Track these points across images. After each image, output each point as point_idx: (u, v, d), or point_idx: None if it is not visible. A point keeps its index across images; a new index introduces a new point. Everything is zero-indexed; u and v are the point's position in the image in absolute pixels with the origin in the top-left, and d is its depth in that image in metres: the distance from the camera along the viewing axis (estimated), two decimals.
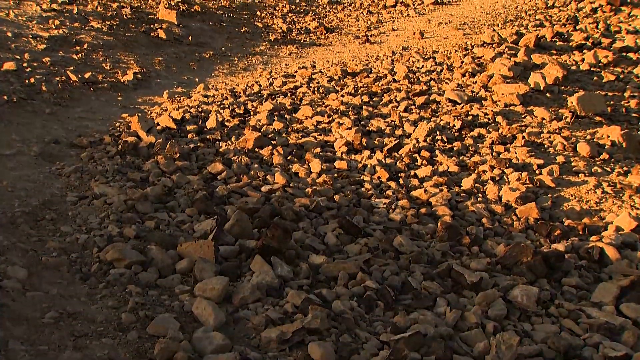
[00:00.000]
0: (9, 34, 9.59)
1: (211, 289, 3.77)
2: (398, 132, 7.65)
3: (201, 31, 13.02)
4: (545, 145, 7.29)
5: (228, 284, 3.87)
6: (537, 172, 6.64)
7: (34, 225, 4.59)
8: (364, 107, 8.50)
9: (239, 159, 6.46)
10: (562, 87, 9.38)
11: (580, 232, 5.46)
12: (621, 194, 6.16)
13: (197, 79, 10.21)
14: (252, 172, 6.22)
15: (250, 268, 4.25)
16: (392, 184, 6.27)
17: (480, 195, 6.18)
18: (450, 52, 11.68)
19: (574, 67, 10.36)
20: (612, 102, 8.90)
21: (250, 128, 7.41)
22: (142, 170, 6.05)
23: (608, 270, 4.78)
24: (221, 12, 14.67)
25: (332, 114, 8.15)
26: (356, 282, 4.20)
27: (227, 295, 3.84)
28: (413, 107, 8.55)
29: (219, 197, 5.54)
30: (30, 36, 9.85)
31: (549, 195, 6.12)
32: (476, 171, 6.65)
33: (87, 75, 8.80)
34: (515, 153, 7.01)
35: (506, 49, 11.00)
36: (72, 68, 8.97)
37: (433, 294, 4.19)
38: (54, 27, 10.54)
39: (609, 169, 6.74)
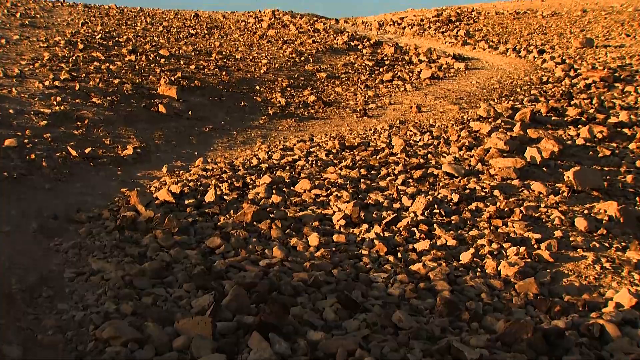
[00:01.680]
0: (11, 111, 9.74)
1: None
2: (396, 205, 7.68)
3: (201, 105, 13.22)
4: (543, 220, 7.30)
5: None
6: (536, 246, 6.63)
7: (30, 302, 4.57)
8: (362, 180, 8.57)
9: (238, 233, 6.47)
10: (559, 162, 9.48)
11: (580, 308, 5.41)
12: (620, 269, 6.14)
13: (196, 153, 10.31)
14: (251, 246, 6.22)
15: (247, 344, 4.21)
16: (391, 257, 6.25)
17: (479, 269, 6.15)
18: (447, 126, 11.84)
19: (569, 142, 10.49)
20: (608, 177, 8.97)
21: (249, 202, 7.45)
22: (140, 245, 6.05)
23: (609, 348, 4.71)
24: (221, 86, 14.94)
25: (330, 187, 8.20)
26: (355, 359, 4.14)
27: None
28: (411, 180, 8.61)
29: (217, 272, 5.52)
30: (32, 113, 10.00)
31: (548, 271, 6.09)
32: (474, 245, 6.65)
33: (87, 151, 8.90)
34: (513, 227, 7.01)
35: (502, 123, 11.16)
36: (72, 143, 9.07)
37: None
38: (55, 104, 10.71)
39: (607, 244, 6.73)
